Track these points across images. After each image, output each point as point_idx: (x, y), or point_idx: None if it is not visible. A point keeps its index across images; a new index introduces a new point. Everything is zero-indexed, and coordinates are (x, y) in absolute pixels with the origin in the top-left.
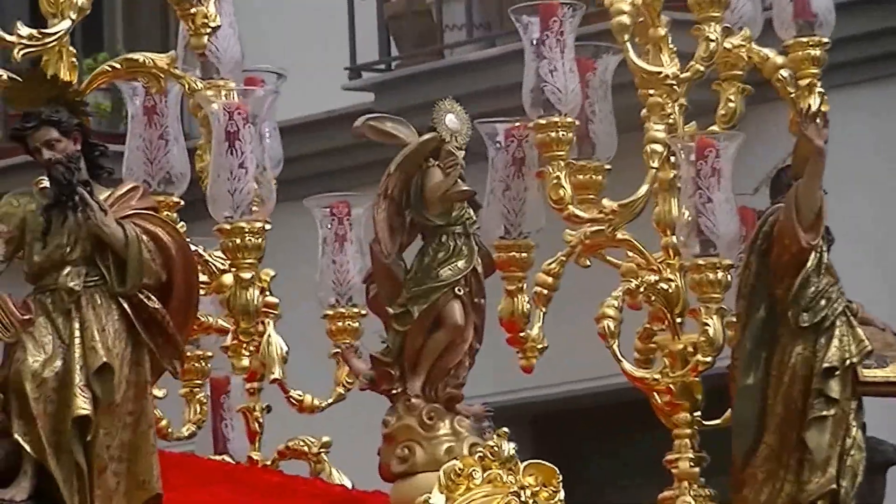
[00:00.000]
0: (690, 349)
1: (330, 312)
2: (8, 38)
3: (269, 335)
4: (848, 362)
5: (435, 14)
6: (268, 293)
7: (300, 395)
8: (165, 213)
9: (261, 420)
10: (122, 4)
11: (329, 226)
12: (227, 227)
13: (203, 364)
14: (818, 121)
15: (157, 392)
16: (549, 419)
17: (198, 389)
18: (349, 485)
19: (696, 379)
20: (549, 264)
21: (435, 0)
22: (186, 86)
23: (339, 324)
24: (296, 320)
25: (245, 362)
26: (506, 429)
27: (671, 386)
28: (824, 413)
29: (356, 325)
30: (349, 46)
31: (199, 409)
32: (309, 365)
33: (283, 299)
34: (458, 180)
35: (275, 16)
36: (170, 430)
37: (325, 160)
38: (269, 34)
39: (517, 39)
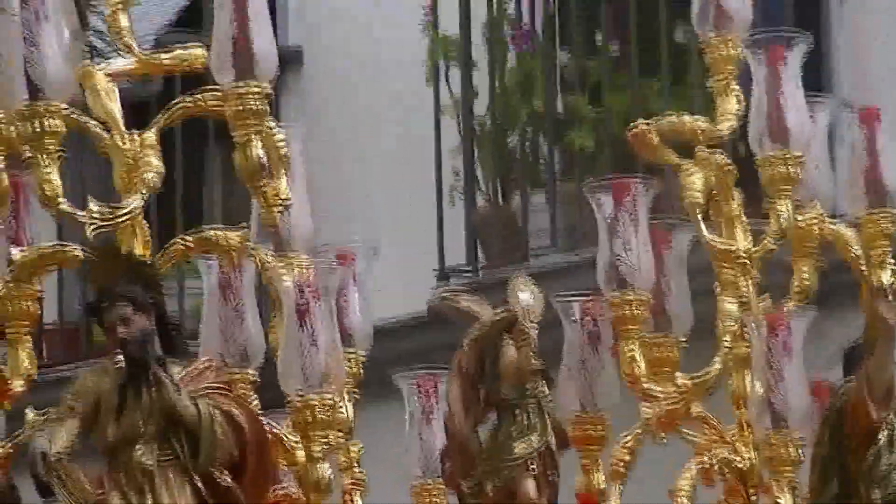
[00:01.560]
0: None
1: (417, 486)
2: (79, 216)
3: None
4: None
5: (520, 220)
6: (356, 467)
7: None
8: (241, 388)
9: None
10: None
11: (416, 400)
12: (298, 402)
13: None
14: (889, 297)
15: None
16: None
17: None
18: None
19: None
20: (625, 440)
21: (520, 207)
22: (259, 261)
23: (426, 498)
24: (382, 494)
25: None
26: None
27: None
28: None
29: (443, 499)
30: (437, 251)
31: None
32: None
33: (370, 473)
34: (532, 356)
35: (365, 225)
36: None
37: (416, 360)
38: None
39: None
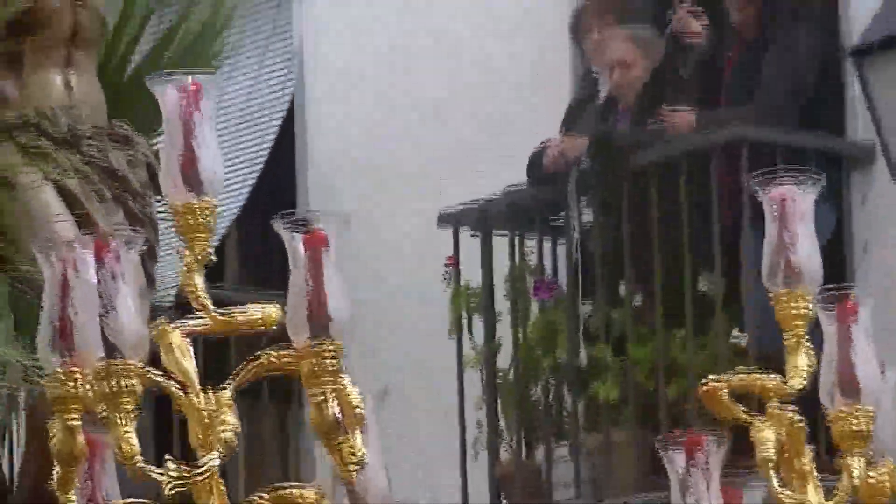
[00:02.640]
0: None
1: None
2: (157, 475)
3: None
4: None
5: (544, 472)
6: None
7: None
8: None
9: None
10: None
11: None
12: None
13: None
14: None
15: None
16: None
17: None
18: None
19: None
20: None
21: (544, 459)
22: None
23: None
24: None
25: None
26: None
27: None
28: None
29: None
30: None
31: None
32: None
33: None
34: None
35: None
36: None
37: None
38: None
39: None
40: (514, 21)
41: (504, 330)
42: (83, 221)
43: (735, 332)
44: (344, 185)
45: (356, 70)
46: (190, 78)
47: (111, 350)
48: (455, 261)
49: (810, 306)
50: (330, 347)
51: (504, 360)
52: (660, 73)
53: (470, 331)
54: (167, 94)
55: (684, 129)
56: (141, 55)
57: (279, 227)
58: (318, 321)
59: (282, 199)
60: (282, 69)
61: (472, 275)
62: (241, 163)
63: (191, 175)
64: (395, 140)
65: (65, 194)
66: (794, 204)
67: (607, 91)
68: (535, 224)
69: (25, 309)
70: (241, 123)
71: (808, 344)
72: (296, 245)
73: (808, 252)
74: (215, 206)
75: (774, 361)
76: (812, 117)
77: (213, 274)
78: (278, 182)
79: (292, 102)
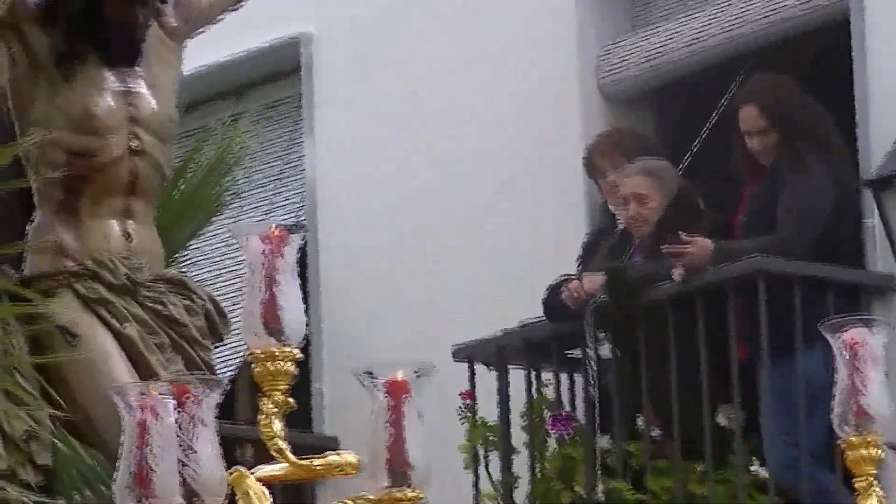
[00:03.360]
0: None
1: None
2: None
3: None
4: None
5: None
6: None
7: None
8: None
9: None
10: None
11: None
12: None
13: None
14: None
15: None
16: None
17: None
18: None
19: None
20: None
21: None
22: None
23: None
24: None
25: None
26: None
27: None
28: None
29: None
30: None
31: None
32: None
33: None
34: None
35: None
36: None
37: None
38: None
39: None
40: (529, 158)
41: (521, 465)
42: (143, 369)
43: (754, 464)
44: (356, 314)
45: (367, 204)
46: (274, 226)
47: (190, 495)
48: (471, 395)
49: (881, 449)
50: (410, 495)
51: (521, 495)
52: (675, 204)
53: (487, 466)
54: (250, 243)
55: (703, 256)
56: None
57: (358, 374)
58: (398, 469)
59: None
60: (294, 203)
61: (488, 409)
62: None
63: (272, 322)
64: (407, 272)
65: (123, 342)
66: (865, 348)
67: (622, 225)
68: (552, 357)
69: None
70: None
71: (880, 491)
72: (377, 392)
73: (878, 396)
74: (295, 354)
75: (793, 495)
76: (830, 248)
77: (225, 410)
78: None
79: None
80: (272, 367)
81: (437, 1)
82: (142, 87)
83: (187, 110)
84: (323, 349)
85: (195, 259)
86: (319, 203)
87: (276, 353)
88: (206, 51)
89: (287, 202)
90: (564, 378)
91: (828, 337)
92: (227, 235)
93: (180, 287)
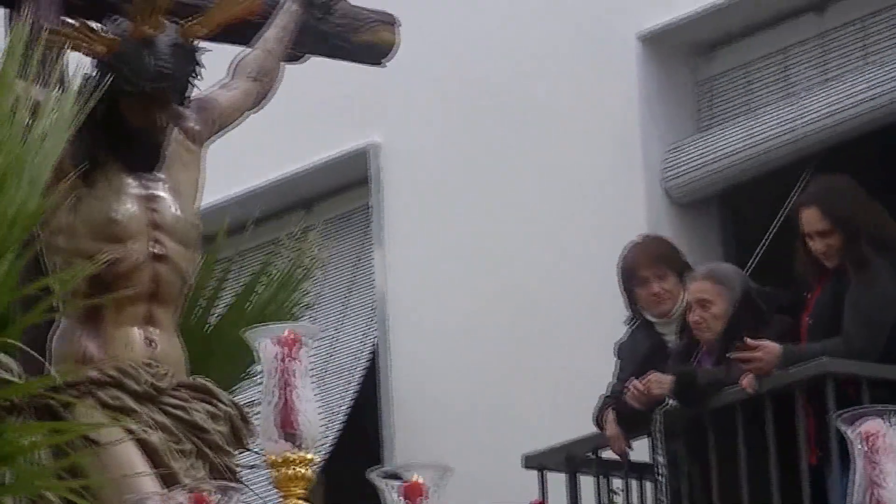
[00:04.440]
0: None
1: None
2: None
3: None
4: None
5: None
6: None
7: None
8: None
9: None
10: None
11: None
12: None
13: None
14: None
15: None
16: None
17: None
18: None
19: None
20: None
21: None
22: None
23: None
24: None
25: None
26: None
27: None
28: None
29: None
30: None
31: None
32: None
33: None
34: None
35: None
36: None
37: None
38: None
39: None
40: (597, 266)
41: None
42: (166, 477)
43: None
44: (428, 425)
45: (438, 314)
46: (287, 329)
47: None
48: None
49: None
50: None
51: None
52: (741, 309)
53: None
54: (265, 347)
55: (770, 361)
56: (223, 307)
57: (375, 478)
58: None
59: (366, 443)
60: (365, 314)
61: None
62: (322, 411)
63: (288, 427)
64: (478, 383)
65: (147, 450)
66: (882, 440)
67: (689, 331)
68: (622, 464)
69: None
70: (324, 372)
71: None
72: (392, 495)
73: None
74: (312, 458)
75: None
76: None
77: None
78: (363, 427)
79: (376, 347)
80: (289, 473)
81: (504, 111)
82: (164, 192)
83: (257, 224)
84: (395, 458)
85: None
86: (389, 313)
87: (293, 458)
88: (275, 165)
89: (356, 314)
90: (634, 484)
91: (843, 429)
92: None
93: (203, 393)
